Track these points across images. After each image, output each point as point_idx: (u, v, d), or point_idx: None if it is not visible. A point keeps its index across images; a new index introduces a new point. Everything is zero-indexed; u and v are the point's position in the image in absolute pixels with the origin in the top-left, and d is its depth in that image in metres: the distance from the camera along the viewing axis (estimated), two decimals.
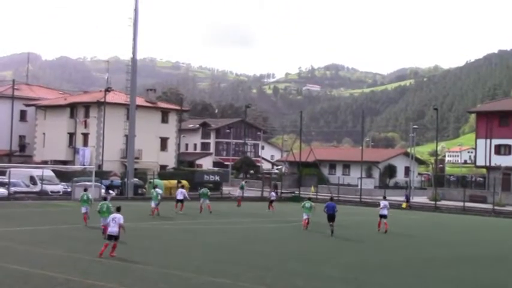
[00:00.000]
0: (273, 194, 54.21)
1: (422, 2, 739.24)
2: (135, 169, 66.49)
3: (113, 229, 23.36)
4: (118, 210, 24.15)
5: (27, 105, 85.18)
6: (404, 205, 63.35)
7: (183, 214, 42.77)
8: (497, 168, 73.19)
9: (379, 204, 38.55)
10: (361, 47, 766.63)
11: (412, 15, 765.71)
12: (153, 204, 41.54)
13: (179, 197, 44.28)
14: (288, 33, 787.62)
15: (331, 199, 38.90)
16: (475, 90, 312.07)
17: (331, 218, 34.55)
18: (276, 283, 19.59)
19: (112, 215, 24.08)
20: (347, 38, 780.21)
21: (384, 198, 41.53)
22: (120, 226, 23.41)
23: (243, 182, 66.75)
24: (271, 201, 51.40)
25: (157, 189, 42.65)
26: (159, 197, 41.77)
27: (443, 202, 68.40)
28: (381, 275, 22.06)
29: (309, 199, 39.06)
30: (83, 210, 33.74)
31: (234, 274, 20.58)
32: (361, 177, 78.60)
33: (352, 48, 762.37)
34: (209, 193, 48.43)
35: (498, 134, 77.01)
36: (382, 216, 37.05)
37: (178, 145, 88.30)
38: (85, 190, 36.08)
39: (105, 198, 34.62)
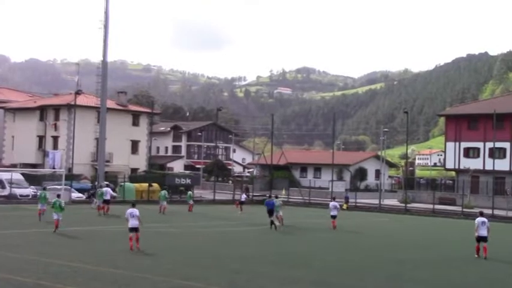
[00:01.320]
0: (244, 196, 57.06)
1: (392, 7, 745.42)
2: (106, 172, 66.10)
3: (133, 222, 26.78)
4: (133, 205, 28.02)
5: None
6: (344, 206, 63.70)
7: (158, 216, 42.66)
8: (466, 171, 74.02)
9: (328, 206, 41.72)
10: (332, 50, 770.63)
11: (382, 19, 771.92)
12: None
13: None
14: (259, 36, 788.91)
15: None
16: (444, 93, 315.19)
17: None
18: (248, 286, 19.58)
19: (130, 210, 27.21)
20: (318, 41, 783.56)
21: (333, 199, 43.70)
22: (138, 218, 26.84)
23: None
24: (241, 202, 54.17)
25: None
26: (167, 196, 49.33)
27: (413, 204, 69.00)
28: (354, 277, 22.17)
29: (276, 197, 42.77)
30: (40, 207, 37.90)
31: (205, 277, 20.54)
32: (332, 180, 79.00)
33: (323, 52, 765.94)
34: (167, 195, 51.35)
35: (467, 137, 77.96)
36: (332, 217, 39.93)
37: (150, 148, 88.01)
38: (58, 196, 35.72)
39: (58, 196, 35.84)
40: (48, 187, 48.70)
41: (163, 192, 50.76)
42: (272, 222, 38.24)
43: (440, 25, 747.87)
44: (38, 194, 41.83)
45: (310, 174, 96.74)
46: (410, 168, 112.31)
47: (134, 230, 26.78)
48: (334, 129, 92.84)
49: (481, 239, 27.81)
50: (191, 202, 53.31)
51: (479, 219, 28.14)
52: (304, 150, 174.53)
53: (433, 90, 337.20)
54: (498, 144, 70.34)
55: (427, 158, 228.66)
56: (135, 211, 27.06)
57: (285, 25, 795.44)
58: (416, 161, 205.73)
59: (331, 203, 40.97)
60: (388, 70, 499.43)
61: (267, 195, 60.06)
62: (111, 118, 72.03)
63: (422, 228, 46.55)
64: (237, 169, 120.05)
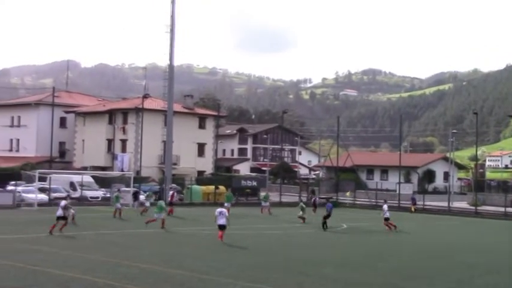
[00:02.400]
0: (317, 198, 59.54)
1: (462, 5, 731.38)
2: (173, 175, 66.85)
3: (221, 220, 30.27)
4: (222, 205, 33.75)
5: (67, 112, 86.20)
6: (412, 209, 62.73)
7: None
8: None
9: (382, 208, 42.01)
10: (398, 51, 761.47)
11: (450, 18, 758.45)
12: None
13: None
14: (324, 38, 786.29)
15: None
16: None
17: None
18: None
19: (219, 209, 30.82)
20: (384, 42, 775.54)
21: (385, 201, 44.44)
22: (226, 218, 30.50)
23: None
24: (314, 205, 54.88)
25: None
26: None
27: (483, 207, 67.38)
28: (422, 282, 21.80)
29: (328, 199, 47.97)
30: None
31: (272, 280, 20.51)
32: (399, 182, 77.87)
33: (389, 53, 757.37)
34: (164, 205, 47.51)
35: None
36: (386, 219, 40.58)
37: (216, 151, 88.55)
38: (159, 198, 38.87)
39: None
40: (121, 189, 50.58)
41: (161, 202, 47.73)
42: (324, 223, 39.77)
43: (510, 23, 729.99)
44: (113, 195, 46.95)
45: (376, 176, 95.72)
46: (481, 170, 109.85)
47: (222, 227, 30.22)
48: (401, 131, 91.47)
49: None
50: (266, 204, 53.04)
51: None
52: (371, 152, 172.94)
53: (504, 90, 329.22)
54: None
55: (498, 160, 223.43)
56: (224, 211, 30.66)
57: (350, 26, 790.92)
58: (487, 163, 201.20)
59: (384, 206, 41.58)
60: (457, 70, 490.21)
61: (330, 198, 60.68)
62: (178, 121, 72.78)
63: (494, 232, 45.42)
64: (303, 171, 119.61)
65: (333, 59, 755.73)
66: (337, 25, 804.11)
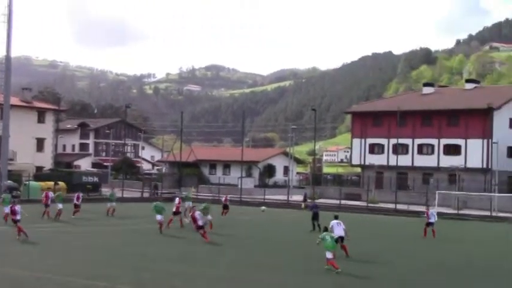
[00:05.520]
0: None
1: (299, 5, 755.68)
2: (9, 171, 64.32)
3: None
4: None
5: None
6: (303, 205, 63.50)
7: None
8: (371, 166, 76.06)
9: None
10: (241, 48, 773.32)
11: (290, 17, 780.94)
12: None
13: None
14: (168, 33, 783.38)
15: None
16: (351, 91, 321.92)
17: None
18: (155, 284, 19.57)
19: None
20: (227, 38, 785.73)
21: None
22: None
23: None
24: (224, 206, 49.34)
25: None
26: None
27: (320, 200, 70.02)
28: (260, 273, 22.53)
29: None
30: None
31: (112, 276, 20.42)
32: (241, 177, 79.52)
33: (232, 49, 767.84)
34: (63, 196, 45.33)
35: (372, 133, 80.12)
36: (430, 224, 37.71)
37: (56, 146, 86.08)
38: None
39: None
40: None
41: (60, 193, 45.24)
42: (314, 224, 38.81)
43: (346, 24, 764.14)
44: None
45: (219, 171, 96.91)
46: (318, 165, 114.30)
47: (200, 228, 30.81)
48: (243, 126, 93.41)
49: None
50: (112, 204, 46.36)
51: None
52: (214, 147, 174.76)
53: (340, 88, 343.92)
54: (401, 141, 72.68)
55: (334, 155, 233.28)
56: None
57: (193, 22, 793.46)
58: (324, 158, 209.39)
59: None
60: (297, 68, 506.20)
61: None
62: (15, 115, 70.01)
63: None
64: (146, 167, 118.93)
65: (177, 55, 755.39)
66: (180, 20, 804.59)
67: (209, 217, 37.16)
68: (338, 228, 27.15)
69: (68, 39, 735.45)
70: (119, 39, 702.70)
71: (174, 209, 39.00)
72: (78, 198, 44.22)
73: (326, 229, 25.76)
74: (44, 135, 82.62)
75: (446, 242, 35.87)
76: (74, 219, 41.32)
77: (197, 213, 31.29)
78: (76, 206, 43.50)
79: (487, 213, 57.84)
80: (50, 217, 41.27)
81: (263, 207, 50.17)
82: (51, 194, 44.63)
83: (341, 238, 27.00)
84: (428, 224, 37.54)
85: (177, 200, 41.38)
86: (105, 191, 71.42)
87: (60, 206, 41.50)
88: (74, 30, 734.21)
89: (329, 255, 23.05)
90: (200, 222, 30.83)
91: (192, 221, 31.82)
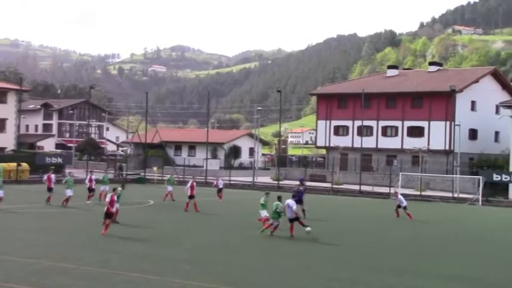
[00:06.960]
0: (221, 181, 50.26)
1: None
2: None
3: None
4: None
5: None
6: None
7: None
8: (335, 148, 76.52)
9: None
10: (206, 28, 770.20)
11: None
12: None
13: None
14: (132, 13, 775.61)
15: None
16: (316, 73, 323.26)
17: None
18: (122, 266, 19.56)
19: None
20: (193, 19, 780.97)
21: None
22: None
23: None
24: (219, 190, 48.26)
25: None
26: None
27: (285, 182, 70.50)
28: (223, 255, 22.67)
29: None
30: None
31: (78, 258, 20.35)
32: (206, 158, 79.48)
33: (197, 30, 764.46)
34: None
35: (337, 115, 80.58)
36: (404, 208, 38.37)
37: (18, 126, 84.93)
38: None
39: None
40: None
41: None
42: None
43: (311, 5, 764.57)
44: None
45: (184, 152, 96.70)
46: (283, 146, 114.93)
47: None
48: (208, 108, 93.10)
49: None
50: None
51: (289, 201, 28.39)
52: (179, 128, 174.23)
53: (306, 69, 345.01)
54: (366, 123, 73.19)
55: (299, 136, 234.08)
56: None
57: (158, 1, 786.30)
58: (289, 139, 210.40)
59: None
60: (262, 49, 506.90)
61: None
62: None
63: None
64: (111, 148, 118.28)
65: (141, 35, 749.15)
66: (146, 0, 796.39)
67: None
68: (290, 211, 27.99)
69: (31, 18, 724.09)
70: (81, 19, 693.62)
71: (188, 193, 37.84)
72: (49, 179, 41.68)
73: (279, 198, 28.03)
74: (6, 115, 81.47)
75: (411, 222, 36.43)
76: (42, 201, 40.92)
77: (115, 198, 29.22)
78: (49, 189, 41.10)
79: (449, 194, 58.83)
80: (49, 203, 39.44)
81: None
82: (53, 177, 41.96)
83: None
84: (399, 206, 38.28)
85: (88, 177, 43.76)
86: (68, 172, 70.91)
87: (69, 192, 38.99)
88: (37, 8, 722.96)
89: (264, 213, 28.78)
90: (113, 209, 28.21)
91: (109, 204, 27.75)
